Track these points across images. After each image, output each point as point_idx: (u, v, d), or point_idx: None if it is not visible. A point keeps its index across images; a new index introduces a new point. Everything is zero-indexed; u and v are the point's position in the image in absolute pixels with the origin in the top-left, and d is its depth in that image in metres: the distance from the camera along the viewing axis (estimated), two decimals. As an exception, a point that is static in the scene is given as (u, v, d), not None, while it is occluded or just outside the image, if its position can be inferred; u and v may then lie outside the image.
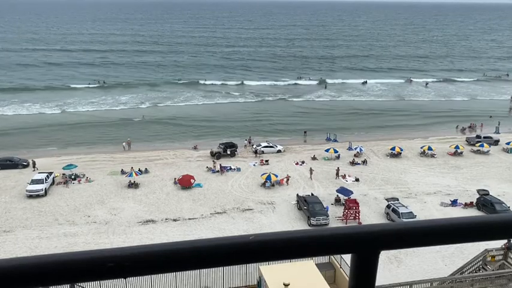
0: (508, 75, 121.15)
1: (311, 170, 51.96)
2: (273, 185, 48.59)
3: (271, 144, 60.57)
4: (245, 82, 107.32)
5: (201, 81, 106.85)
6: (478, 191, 46.34)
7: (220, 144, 58.81)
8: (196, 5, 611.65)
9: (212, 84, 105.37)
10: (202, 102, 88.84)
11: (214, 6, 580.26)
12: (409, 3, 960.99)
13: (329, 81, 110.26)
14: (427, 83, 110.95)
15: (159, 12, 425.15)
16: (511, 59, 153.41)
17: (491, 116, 78.92)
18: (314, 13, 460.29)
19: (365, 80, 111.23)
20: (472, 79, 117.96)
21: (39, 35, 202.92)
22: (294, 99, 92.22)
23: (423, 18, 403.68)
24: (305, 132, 70.04)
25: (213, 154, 57.10)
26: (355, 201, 43.06)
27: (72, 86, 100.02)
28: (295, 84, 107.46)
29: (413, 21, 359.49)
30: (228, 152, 57.43)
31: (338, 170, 51.78)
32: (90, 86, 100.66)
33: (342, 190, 45.67)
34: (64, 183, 48.62)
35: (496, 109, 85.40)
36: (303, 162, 55.73)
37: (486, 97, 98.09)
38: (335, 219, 41.82)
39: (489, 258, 30.32)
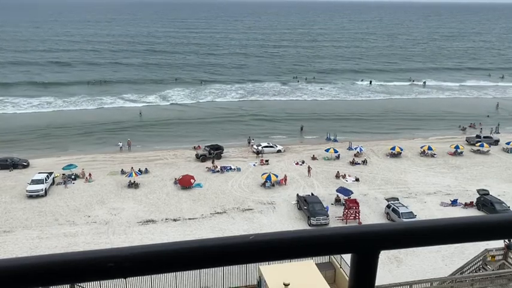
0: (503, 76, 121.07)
1: (309, 168, 52.06)
2: (273, 185, 48.60)
3: (271, 144, 60.58)
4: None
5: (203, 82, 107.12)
6: (478, 191, 46.31)
7: (205, 146, 58.28)
8: (193, 6, 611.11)
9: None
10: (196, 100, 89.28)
11: (209, 7, 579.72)
12: (406, 3, 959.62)
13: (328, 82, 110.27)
14: (424, 82, 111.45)
15: (150, 12, 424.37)
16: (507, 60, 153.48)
17: (488, 116, 79.34)
18: (308, 13, 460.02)
19: (370, 80, 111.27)
20: (469, 79, 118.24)
21: (35, 35, 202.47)
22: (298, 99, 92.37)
23: (416, 18, 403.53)
24: (302, 128, 69.89)
25: (198, 156, 56.41)
26: (355, 201, 43.06)
27: (70, 85, 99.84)
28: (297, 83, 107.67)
29: (404, 21, 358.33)
30: (214, 155, 56.49)
31: (338, 173, 51.82)
32: (90, 84, 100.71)
33: (342, 190, 45.67)
34: (64, 183, 48.63)
35: (486, 107, 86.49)
36: (303, 162, 55.74)
37: (480, 96, 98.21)
38: (335, 219, 41.81)
39: (489, 258, 30.30)
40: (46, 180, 46.78)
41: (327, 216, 41.15)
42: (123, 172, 51.43)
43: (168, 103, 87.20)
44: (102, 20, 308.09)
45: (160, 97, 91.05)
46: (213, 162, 54.50)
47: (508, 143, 61.48)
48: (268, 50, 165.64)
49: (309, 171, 51.89)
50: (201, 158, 56.00)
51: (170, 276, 26.22)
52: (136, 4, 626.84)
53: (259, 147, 59.29)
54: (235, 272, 27.24)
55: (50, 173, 48.88)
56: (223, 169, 52.86)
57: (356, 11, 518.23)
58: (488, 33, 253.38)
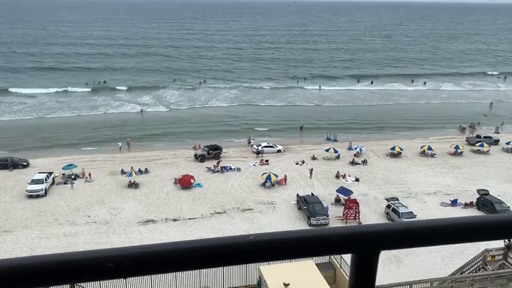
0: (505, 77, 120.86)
1: (311, 170, 52.00)
2: (273, 185, 48.59)
3: (271, 144, 60.56)
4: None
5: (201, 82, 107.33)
6: (478, 191, 46.33)
7: (204, 146, 58.17)
8: (192, 6, 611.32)
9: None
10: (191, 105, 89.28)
11: (207, 7, 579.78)
12: (406, 3, 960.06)
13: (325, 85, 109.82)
14: (425, 83, 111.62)
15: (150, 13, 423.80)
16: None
17: (485, 115, 79.41)
18: (307, 14, 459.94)
19: (371, 81, 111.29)
20: (469, 79, 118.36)
21: (32, 36, 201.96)
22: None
23: (414, 18, 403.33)
24: (301, 127, 69.63)
25: (196, 157, 56.22)
26: (355, 201, 43.07)
27: (66, 86, 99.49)
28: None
29: (403, 21, 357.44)
30: (213, 155, 56.28)
31: (338, 173, 51.79)
32: (88, 85, 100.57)
33: (342, 190, 45.67)
34: (64, 183, 48.62)
35: (487, 108, 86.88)
36: (303, 162, 55.74)
37: (480, 99, 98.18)
38: (335, 219, 41.81)
39: (489, 258, 30.31)
40: (46, 180, 46.78)
41: (327, 216, 41.15)
42: (123, 172, 51.42)
43: (164, 106, 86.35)
44: (97, 20, 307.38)
45: (156, 100, 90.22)
46: (218, 163, 54.26)
47: (508, 143, 61.49)
48: (265, 51, 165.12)
49: (311, 172, 51.76)
50: (199, 158, 55.92)
51: (170, 276, 26.21)
52: (130, 5, 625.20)
53: (259, 147, 59.28)
54: (235, 272, 27.23)
55: (50, 173, 48.88)
56: (223, 169, 52.86)
57: (355, 11, 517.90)
58: (488, 33, 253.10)
